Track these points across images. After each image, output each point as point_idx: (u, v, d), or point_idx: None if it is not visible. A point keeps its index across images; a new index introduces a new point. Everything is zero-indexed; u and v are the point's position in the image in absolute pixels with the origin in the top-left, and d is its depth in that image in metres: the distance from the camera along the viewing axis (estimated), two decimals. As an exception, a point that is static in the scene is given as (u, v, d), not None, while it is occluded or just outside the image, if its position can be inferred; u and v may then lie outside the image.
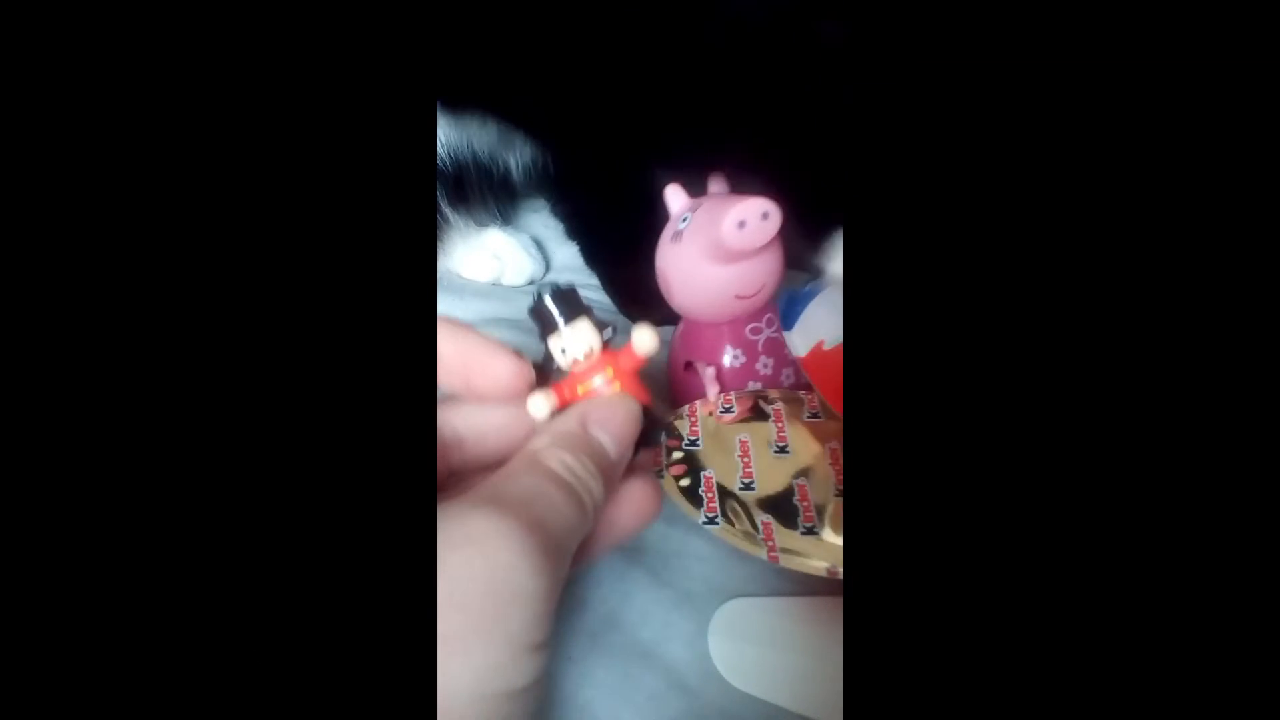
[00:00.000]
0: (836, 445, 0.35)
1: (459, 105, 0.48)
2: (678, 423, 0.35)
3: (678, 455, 0.34)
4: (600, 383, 0.26)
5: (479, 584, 0.17)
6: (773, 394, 0.39)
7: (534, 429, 0.25)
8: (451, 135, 0.51)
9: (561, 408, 0.25)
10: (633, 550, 0.35)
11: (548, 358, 0.26)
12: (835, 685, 0.17)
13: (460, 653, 0.17)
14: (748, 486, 0.33)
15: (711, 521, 0.31)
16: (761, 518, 0.32)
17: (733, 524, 0.31)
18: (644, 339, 0.25)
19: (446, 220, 0.56)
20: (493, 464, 0.24)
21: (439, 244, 0.56)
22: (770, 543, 0.30)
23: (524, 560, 0.18)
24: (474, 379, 0.24)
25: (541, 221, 0.66)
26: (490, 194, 0.58)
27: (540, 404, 0.25)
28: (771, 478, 0.33)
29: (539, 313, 0.25)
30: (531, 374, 0.25)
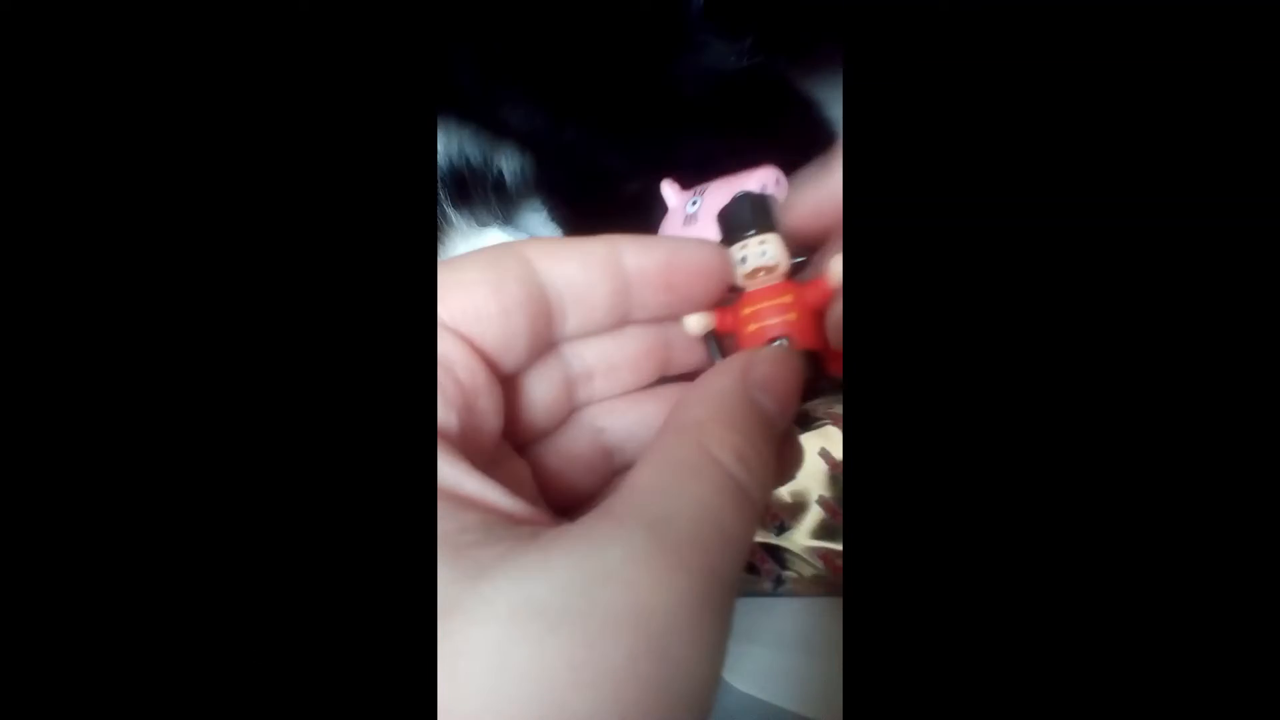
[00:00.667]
0: (830, 449, 0.33)
1: (458, 107, 0.50)
2: None
3: None
4: (774, 317, 0.21)
5: (645, 688, 0.13)
6: None
7: (668, 358, 0.21)
8: (450, 137, 0.53)
9: (721, 332, 0.22)
10: None
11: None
12: (836, 686, 0.16)
13: None
14: (782, 529, 0.32)
15: (780, 584, 0.31)
16: (818, 552, 0.31)
17: (800, 575, 0.31)
18: (840, 269, 0.21)
19: (448, 220, 0.57)
20: (625, 396, 0.21)
21: (440, 244, 0.57)
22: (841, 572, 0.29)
23: (702, 642, 0.14)
24: (677, 281, 0.20)
25: (541, 221, 0.62)
26: (491, 194, 0.58)
27: (697, 322, 0.21)
28: (796, 509, 0.33)
29: (725, 214, 0.22)
30: (733, 262, 0.22)
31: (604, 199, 0.52)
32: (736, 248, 0.21)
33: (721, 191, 0.35)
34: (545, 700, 0.12)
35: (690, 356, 0.21)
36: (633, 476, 0.15)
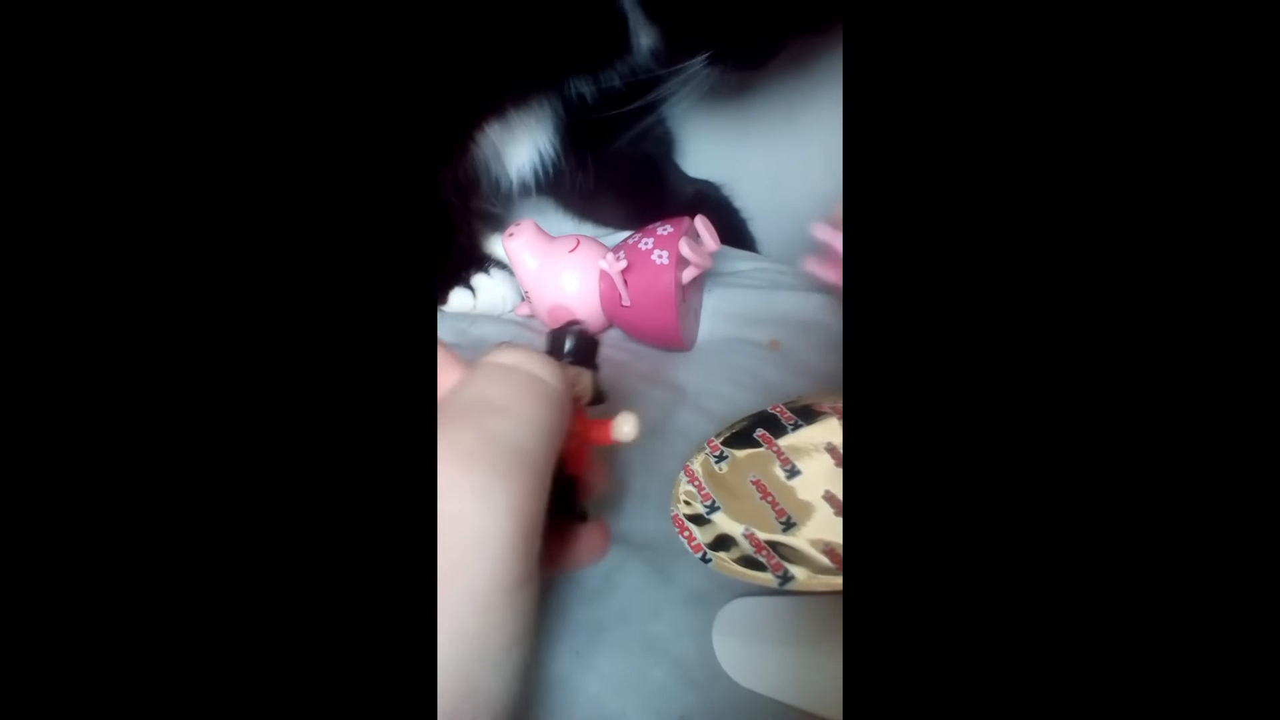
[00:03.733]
0: (835, 442, 0.34)
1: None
2: (687, 498, 0.35)
3: (707, 530, 0.34)
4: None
5: (438, 535, 0.15)
6: (741, 424, 0.36)
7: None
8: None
9: None
10: (641, 546, 0.35)
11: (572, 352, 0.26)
12: (838, 682, 0.17)
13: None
14: (789, 525, 0.32)
15: (787, 579, 0.31)
16: (823, 548, 0.32)
17: (807, 571, 0.31)
18: (626, 427, 0.24)
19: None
20: None
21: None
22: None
23: (476, 493, 0.16)
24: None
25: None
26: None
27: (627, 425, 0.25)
28: (802, 506, 0.33)
29: (555, 340, 0.25)
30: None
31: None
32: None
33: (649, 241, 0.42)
34: None
35: None
36: None
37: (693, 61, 0.42)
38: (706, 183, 0.61)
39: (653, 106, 0.46)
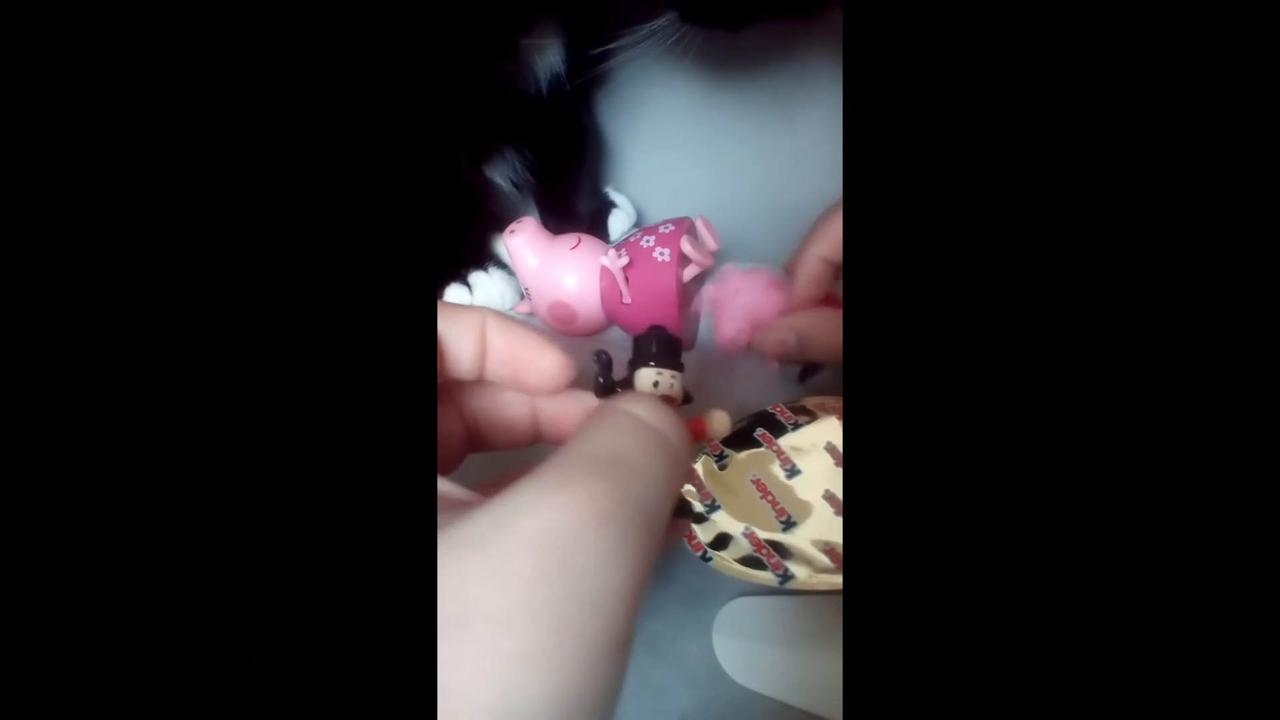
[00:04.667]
0: (835, 442, 0.34)
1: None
2: (687, 497, 0.35)
3: (707, 529, 0.34)
4: None
5: (556, 589, 0.15)
6: (741, 423, 0.36)
7: (538, 426, 0.26)
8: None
9: None
10: None
11: (624, 381, 0.26)
12: (838, 682, 0.17)
13: (538, 668, 0.15)
14: (789, 524, 0.32)
15: (787, 578, 0.31)
16: (823, 547, 0.32)
17: (807, 571, 0.32)
18: (718, 424, 0.25)
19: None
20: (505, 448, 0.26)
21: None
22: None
23: (605, 556, 0.16)
24: (521, 372, 0.24)
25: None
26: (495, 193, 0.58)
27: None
28: (802, 505, 0.33)
29: (642, 345, 0.25)
30: (574, 372, 0.25)
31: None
32: (650, 370, 0.24)
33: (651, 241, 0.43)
34: (468, 603, 0.15)
35: (555, 430, 0.26)
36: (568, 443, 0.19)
37: (659, 20, 0.41)
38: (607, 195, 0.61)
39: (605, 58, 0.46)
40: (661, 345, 0.25)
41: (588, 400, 0.25)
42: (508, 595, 0.15)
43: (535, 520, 0.16)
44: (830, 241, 0.35)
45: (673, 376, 0.24)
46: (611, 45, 0.43)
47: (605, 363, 0.24)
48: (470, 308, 0.23)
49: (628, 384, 0.24)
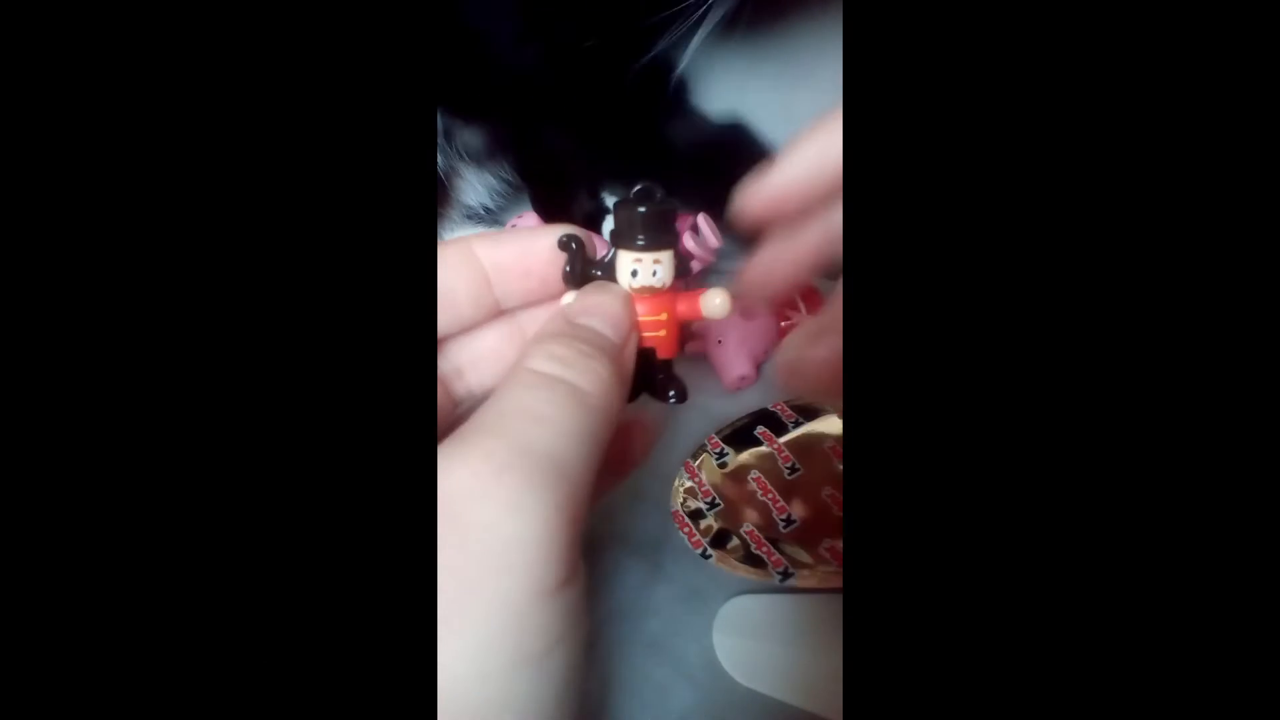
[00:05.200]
0: (835, 443, 0.34)
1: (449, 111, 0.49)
2: (688, 497, 0.35)
3: (708, 526, 0.34)
4: (646, 331, 0.22)
5: (468, 543, 0.16)
6: (742, 421, 0.36)
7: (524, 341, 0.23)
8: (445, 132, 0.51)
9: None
10: (641, 544, 0.35)
11: (602, 264, 0.22)
12: (838, 681, 0.17)
13: (457, 628, 0.15)
14: (790, 522, 0.31)
15: (787, 575, 0.31)
16: (825, 546, 0.31)
17: (808, 569, 0.32)
18: (717, 302, 0.22)
19: (445, 217, 0.55)
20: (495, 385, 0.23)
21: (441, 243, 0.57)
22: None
23: (508, 505, 0.16)
24: (534, 268, 0.22)
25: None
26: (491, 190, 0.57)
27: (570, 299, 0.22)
28: (804, 503, 0.33)
29: (626, 216, 0.21)
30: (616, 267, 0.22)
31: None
32: (625, 256, 0.21)
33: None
34: None
35: None
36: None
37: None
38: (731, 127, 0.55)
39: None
40: (649, 218, 0.21)
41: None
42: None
43: (442, 484, 0.16)
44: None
45: (656, 261, 0.21)
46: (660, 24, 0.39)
47: (575, 249, 0.21)
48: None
49: (610, 269, 0.21)
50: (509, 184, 0.56)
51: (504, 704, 0.16)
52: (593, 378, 0.19)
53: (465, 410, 0.24)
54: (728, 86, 0.52)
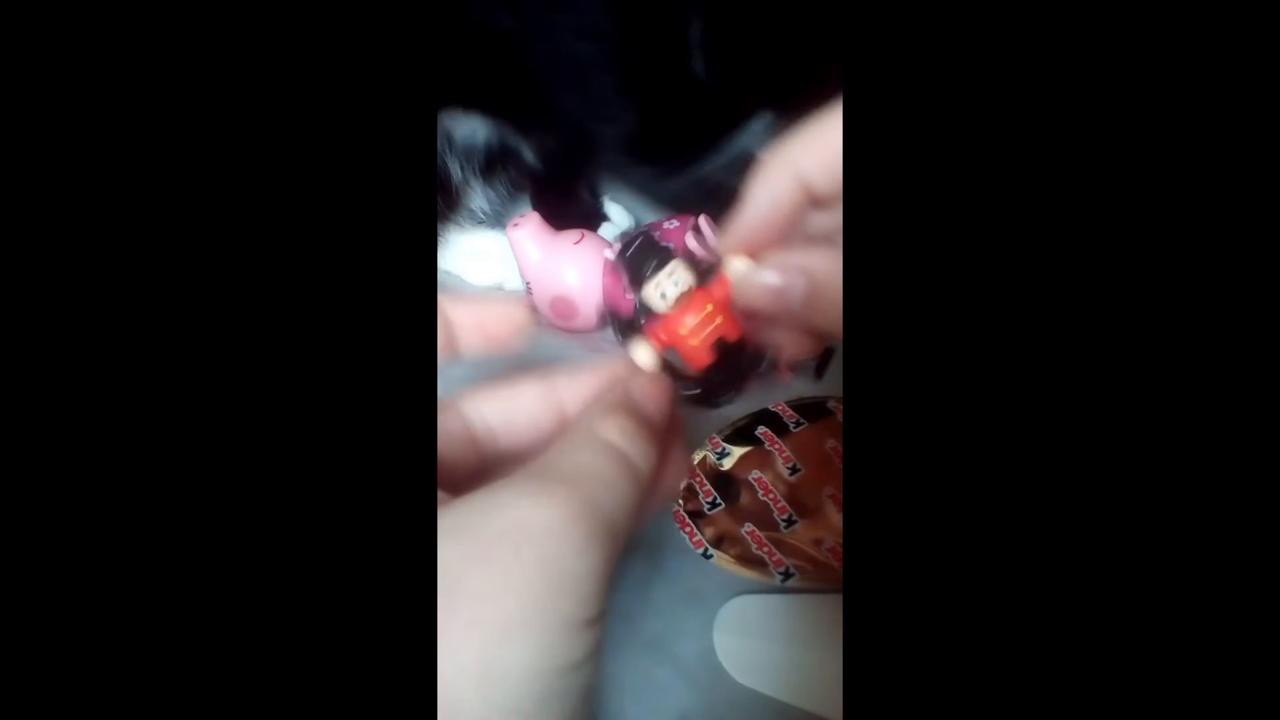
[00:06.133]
0: (835, 443, 0.34)
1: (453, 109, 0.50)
2: (688, 496, 0.35)
3: (709, 526, 0.34)
4: (708, 326, 0.25)
5: (531, 570, 0.18)
6: (743, 421, 0.36)
7: (562, 410, 0.26)
8: (447, 136, 0.53)
9: (666, 346, 0.26)
10: (641, 543, 0.35)
11: (642, 307, 0.26)
12: (838, 681, 0.18)
13: (518, 636, 0.18)
14: (790, 522, 0.31)
15: (788, 575, 0.31)
16: (824, 546, 0.31)
17: (809, 569, 0.32)
18: (736, 265, 0.24)
19: (446, 220, 0.57)
20: (526, 452, 0.25)
21: (440, 243, 0.57)
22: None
23: (574, 547, 0.19)
24: (489, 327, 0.25)
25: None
26: (492, 193, 0.58)
27: (644, 353, 0.25)
28: (805, 503, 0.33)
29: (629, 262, 0.26)
30: (527, 310, 0.25)
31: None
32: (650, 287, 0.24)
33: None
34: (452, 582, 0.17)
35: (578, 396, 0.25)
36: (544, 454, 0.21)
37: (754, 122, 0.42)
38: None
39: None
40: (640, 251, 0.24)
41: (603, 372, 0.25)
42: (489, 573, 0.17)
43: (513, 514, 0.18)
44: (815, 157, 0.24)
45: (669, 274, 0.24)
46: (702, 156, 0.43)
47: (622, 320, 0.24)
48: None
49: (644, 311, 0.24)
50: (510, 185, 0.56)
51: (541, 702, 0.18)
52: (647, 461, 0.21)
53: (492, 464, 0.25)
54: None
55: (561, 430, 0.25)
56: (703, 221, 0.43)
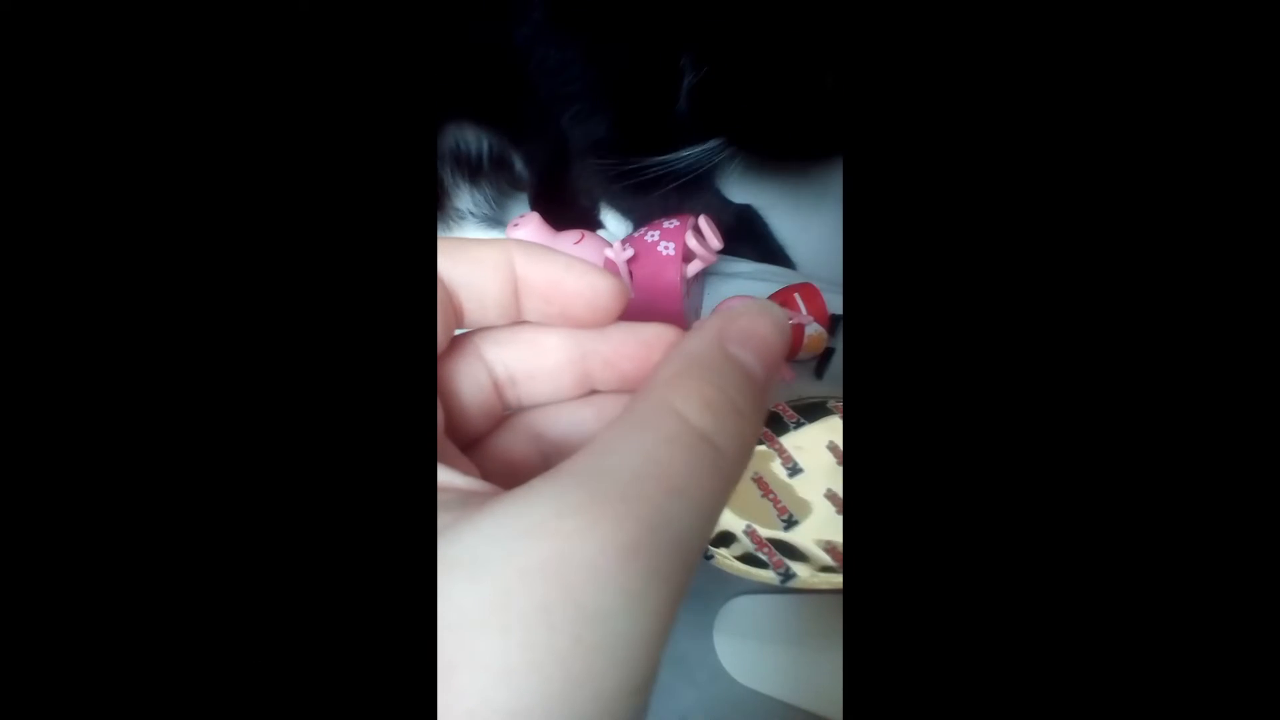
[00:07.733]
0: (836, 440, 0.34)
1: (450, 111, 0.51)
2: None
3: None
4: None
5: (564, 636, 0.13)
6: None
7: (587, 371, 0.22)
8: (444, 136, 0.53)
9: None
10: None
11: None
12: (838, 681, 0.17)
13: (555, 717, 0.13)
14: (791, 522, 0.31)
15: (788, 576, 0.31)
16: (824, 546, 0.31)
17: (809, 570, 0.32)
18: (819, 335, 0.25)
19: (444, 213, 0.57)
20: (546, 407, 0.22)
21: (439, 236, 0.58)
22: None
23: (627, 593, 0.14)
24: (568, 304, 0.20)
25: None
26: (486, 188, 0.58)
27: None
28: (804, 503, 0.33)
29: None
30: (629, 293, 0.21)
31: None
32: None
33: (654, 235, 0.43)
34: (453, 646, 0.12)
35: (611, 373, 0.21)
36: (593, 440, 0.15)
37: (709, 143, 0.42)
38: (745, 207, 0.59)
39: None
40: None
41: (642, 333, 0.21)
42: (506, 638, 0.13)
43: (544, 545, 0.13)
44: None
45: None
46: (657, 159, 0.44)
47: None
48: (491, 241, 0.20)
49: None
50: (509, 188, 0.56)
51: None
52: (737, 442, 0.16)
53: (513, 410, 0.22)
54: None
55: (583, 388, 0.21)
56: (703, 222, 0.43)
